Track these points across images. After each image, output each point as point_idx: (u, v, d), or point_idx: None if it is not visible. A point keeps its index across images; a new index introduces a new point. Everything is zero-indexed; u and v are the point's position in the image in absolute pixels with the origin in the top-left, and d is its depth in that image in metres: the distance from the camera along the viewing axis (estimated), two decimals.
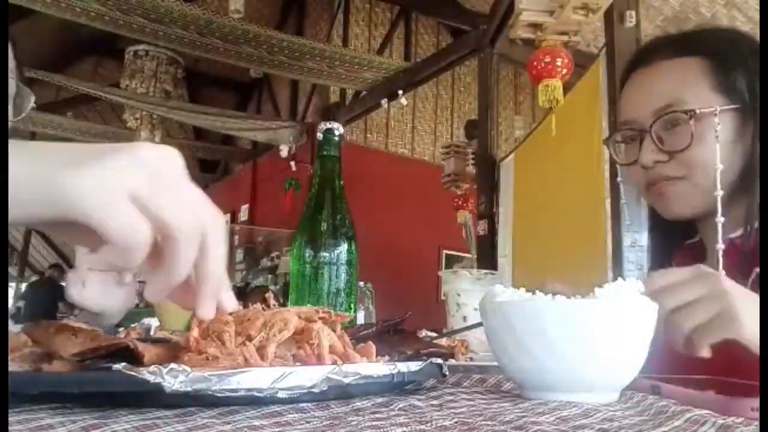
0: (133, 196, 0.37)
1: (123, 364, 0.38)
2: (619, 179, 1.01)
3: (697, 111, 0.84)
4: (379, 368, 0.49)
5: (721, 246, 0.84)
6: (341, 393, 0.47)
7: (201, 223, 0.40)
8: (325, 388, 0.44)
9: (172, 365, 0.39)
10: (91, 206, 0.36)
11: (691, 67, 0.89)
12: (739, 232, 0.87)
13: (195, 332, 0.46)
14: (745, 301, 0.66)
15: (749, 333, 0.62)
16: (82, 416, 0.37)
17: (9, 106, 0.92)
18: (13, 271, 11.12)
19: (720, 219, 0.84)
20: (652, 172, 0.90)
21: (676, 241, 1.01)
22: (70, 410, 0.39)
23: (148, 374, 0.38)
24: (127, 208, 0.37)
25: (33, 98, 0.91)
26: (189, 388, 0.38)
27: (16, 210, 0.36)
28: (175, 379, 0.38)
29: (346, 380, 0.45)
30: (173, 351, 0.45)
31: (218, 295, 0.45)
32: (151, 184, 0.38)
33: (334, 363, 0.48)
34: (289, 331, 0.48)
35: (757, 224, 0.84)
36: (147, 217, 0.37)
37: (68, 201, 0.36)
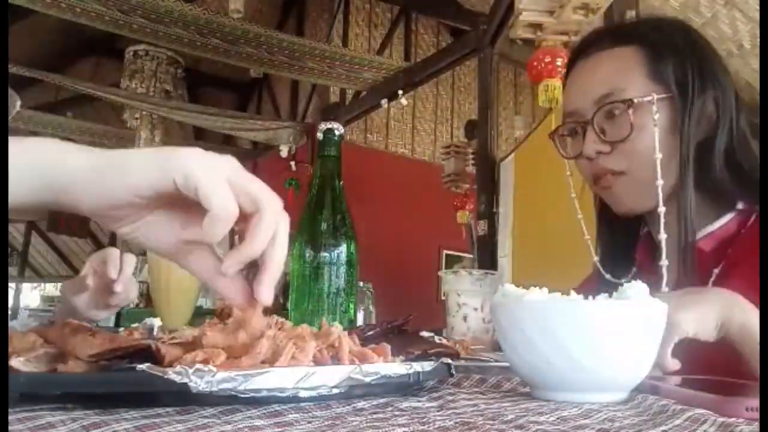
0: (230, 181, 0.45)
1: (147, 364, 0.39)
2: (567, 173, 1.01)
3: (635, 100, 0.84)
4: (397, 368, 0.50)
5: (663, 236, 0.84)
6: (362, 392, 0.48)
7: (279, 209, 0.48)
8: (346, 389, 0.45)
9: (198, 365, 0.39)
10: (204, 183, 0.44)
11: (627, 55, 0.89)
12: (700, 234, 0.86)
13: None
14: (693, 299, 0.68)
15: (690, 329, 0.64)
16: (83, 415, 0.37)
17: None
18: (13, 271, 11.12)
19: (662, 209, 0.84)
20: (597, 165, 0.90)
21: (631, 232, 1.01)
22: (70, 409, 0.39)
23: (174, 375, 0.38)
24: (226, 187, 0.45)
25: (19, 102, 0.93)
26: (215, 389, 0.39)
27: (140, 176, 0.45)
28: (200, 379, 0.38)
29: (367, 379, 0.46)
30: (191, 351, 0.46)
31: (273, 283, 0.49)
32: (241, 174, 0.47)
33: (353, 363, 0.49)
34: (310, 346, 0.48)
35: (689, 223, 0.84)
36: (241, 195, 0.46)
37: (184, 176, 0.44)
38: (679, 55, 0.87)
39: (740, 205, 0.86)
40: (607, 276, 0.95)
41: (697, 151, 0.86)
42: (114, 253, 0.96)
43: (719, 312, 0.68)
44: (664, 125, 0.85)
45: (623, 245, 1.01)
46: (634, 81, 0.87)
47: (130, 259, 0.97)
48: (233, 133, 6.02)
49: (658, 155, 0.83)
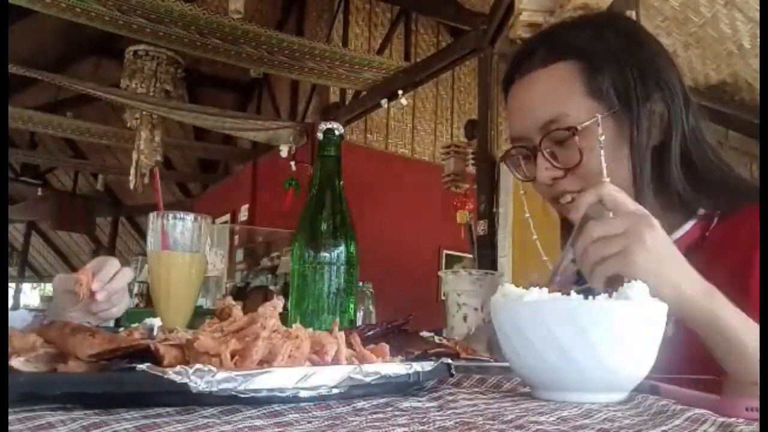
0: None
1: (147, 364, 0.39)
2: (521, 192, 0.98)
3: (579, 127, 0.81)
4: (397, 368, 0.50)
5: None
6: (362, 392, 0.48)
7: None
8: (346, 389, 0.45)
9: (198, 365, 0.39)
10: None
11: (564, 74, 0.84)
12: (672, 237, 0.85)
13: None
14: (662, 253, 0.67)
15: (640, 275, 0.62)
16: (83, 415, 0.37)
17: None
18: (13, 271, 11.12)
19: None
20: (554, 188, 0.88)
21: None
22: (70, 409, 0.39)
23: (174, 375, 0.38)
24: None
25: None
26: (215, 389, 0.39)
27: None
28: (200, 379, 0.38)
29: (367, 379, 0.47)
30: (190, 352, 0.46)
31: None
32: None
33: (351, 363, 0.49)
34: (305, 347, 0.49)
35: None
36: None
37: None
38: (618, 63, 0.83)
39: (701, 211, 0.85)
40: (557, 278, 0.95)
41: (654, 156, 0.83)
42: (112, 263, 0.94)
43: (684, 290, 0.67)
44: (614, 139, 0.82)
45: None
46: (575, 102, 0.83)
47: (126, 274, 0.94)
48: (233, 133, 6.02)
49: (606, 179, 0.77)
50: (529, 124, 0.87)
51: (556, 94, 0.85)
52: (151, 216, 0.94)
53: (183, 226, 0.93)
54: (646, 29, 0.89)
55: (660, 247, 0.67)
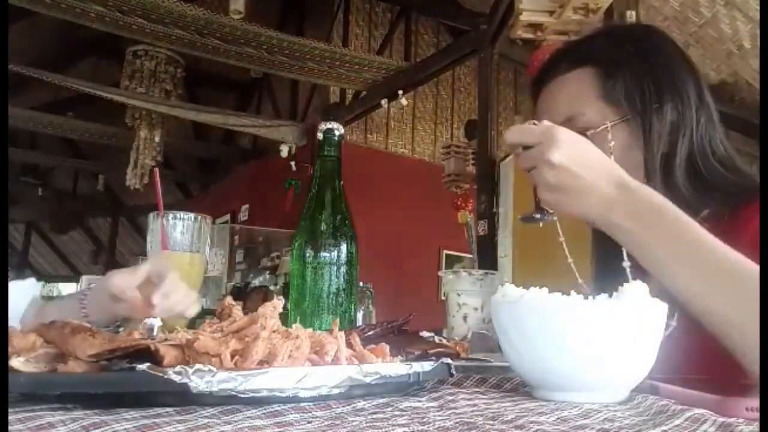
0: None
1: (147, 364, 0.39)
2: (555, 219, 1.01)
3: (589, 133, 0.84)
4: (397, 368, 0.50)
5: (627, 264, 0.81)
6: (362, 392, 0.48)
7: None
8: (346, 389, 0.45)
9: (198, 366, 0.39)
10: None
11: (582, 78, 0.89)
12: None
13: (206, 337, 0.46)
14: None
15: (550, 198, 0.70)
16: (83, 415, 0.37)
17: None
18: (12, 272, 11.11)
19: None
20: None
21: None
22: (70, 409, 0.39)
23: (174, 375, 0.38)
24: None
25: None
26: (215, 389, 0.39)
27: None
28: (200, 379, 0.38)
29: (367, 380, 0.47)
30: (190, 352, 0.45)
31: None
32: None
33: (351, 363, 0.49)
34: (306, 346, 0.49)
35: None
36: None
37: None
38: (632, 70, 0.86)
39: (704, 213, 0.86)
40: (581, 281, 0.96)
41: (662, 161, 0.86)
42: (165, 274, 0.85)
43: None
44: (624, 144, 0.85)
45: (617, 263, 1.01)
46: (590, 104, 0.87)
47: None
48: (235, 128, 6.00)
49: None
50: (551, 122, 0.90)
51: (574, 95, 0.89)
52: (151, 216, 0.94)
53: (183, 226, 0.93)
54: (672, 39, 0.92)
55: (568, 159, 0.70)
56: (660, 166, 0.85)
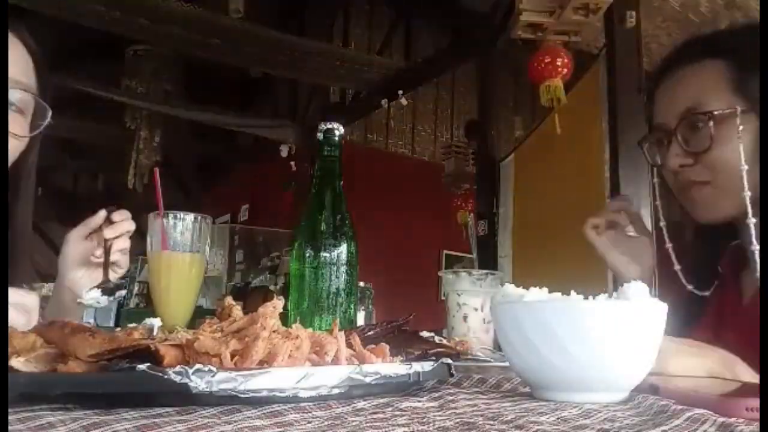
0: None
1: (147, 364, 0.39)
2: (654, 180, 1.01)
3: (716, 113, 0.85)
4: (397, 368, 0.50)
5: (756, 247, 0.82)
6: (362, 392, 0.48)
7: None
8: (346, 389, 0.45)
9: (198, 366, 0.39)
10: None
11: (713, 69, 0.89)
12: None
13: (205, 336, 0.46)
14: None
15: None
16: (83, 415, 0.37)
17: (26, 124, 0.95)
18: None
19: (752, 220, 0.82)
20: (682, 177, 0.91)
21: (720, 243, 1.00)
22: (70, 409, 0.39)
23: (174, 375, 0.38)
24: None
25: (50, 113, 0.96)
26: (215, 389, 0.39)
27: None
28: (200, 379, 0.38)
29: (367, 380, 0.47)
30: (190, 352, 0.45)
31: None
32: None
33: (351, 363, 0.49)
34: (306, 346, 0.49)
35: None
36: None
37: None
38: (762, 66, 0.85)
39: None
40: (690, 287, 0.94)
41: None
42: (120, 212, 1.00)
43: (710, 368, 0.68)
44: (749, 137, 0.84)
45: (710, 257, 1.00)
46: (718, 95, 0.87)
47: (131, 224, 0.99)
48: (235, 128, 6.00)
49: (744, 167, 0.82)
50: (672, 110, 0.91)
51: (700, 85, 0.89)
52: (151, 216, 0.94)
53: (183, 226, 0.93)
54: None
55: None
56: None
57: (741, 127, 0.83)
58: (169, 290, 0.92)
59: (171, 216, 0.93)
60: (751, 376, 0.68)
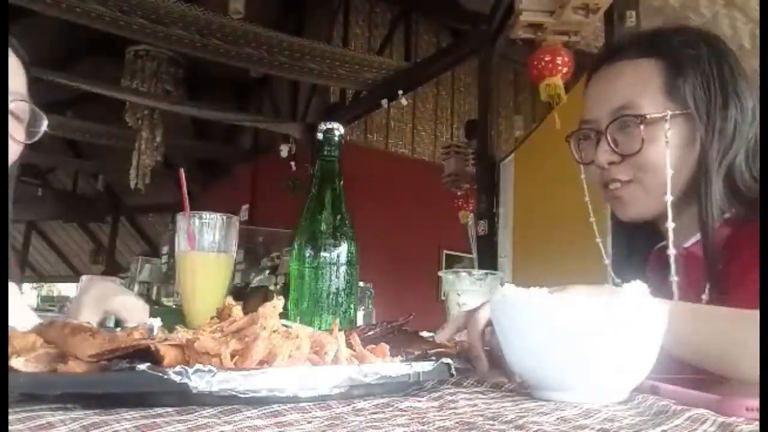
0: None
1: (147, 364, 0.39)
2: (581, 176, 1.02)
3: (647, 116, 0.85)
4: (397, 368, 0.50)
5: (672, 251, 0.85)
6: (362, 392, 0.48)
7: None
8: (346, 389, 0.45)
9: (198, 365, 0.39)
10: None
11: (647, 68, 0.89)
12: (692, 240, 0.87)
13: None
14: None
15: None
16: (83, 415, 0.37)
17: (21, 131, 0.95)
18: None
19: (671, 224, 0.84)
20: (607, 173, 0.91)
21: (642, 243, 1.01)
22: (70, 409, 0.39)
23: (174, 375, 0.38)
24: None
25: (45, 122, 0.96)
26: (215, 389, 0.39)
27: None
28: (201, 379, 0.38)
29: (367, 380, 0.47)
30: (190, 352, 0.45)
31: None
32: None
33: (351, 363, 0.49)
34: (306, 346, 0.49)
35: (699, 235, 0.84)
36: None
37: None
38: (702, 71, 0.87)
39: (727, 215, 0.86)
40: (618, 281, 0.95)
41: (718, 161, 0.85)
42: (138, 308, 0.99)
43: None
44: (681, 139, 0.86)
45: (636, 255, 1.02)
46: (649, 95, 0.87)
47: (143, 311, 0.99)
48: (237, 122, 6.00)
49: (669, 171, 0.83)
50: (603, 107, 0.91)
51: (634, 84, 0.89)
52: (179, 216, 0.94)
53: (210, 225, 0.93)
54: (735, 54, 0.92)
55: None
56: (716, 167, 0.85)
57: (669, 131, 0.84)
58: (195, 290, 0.92)
59: (198, 216, 0.93)
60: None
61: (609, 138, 0.89)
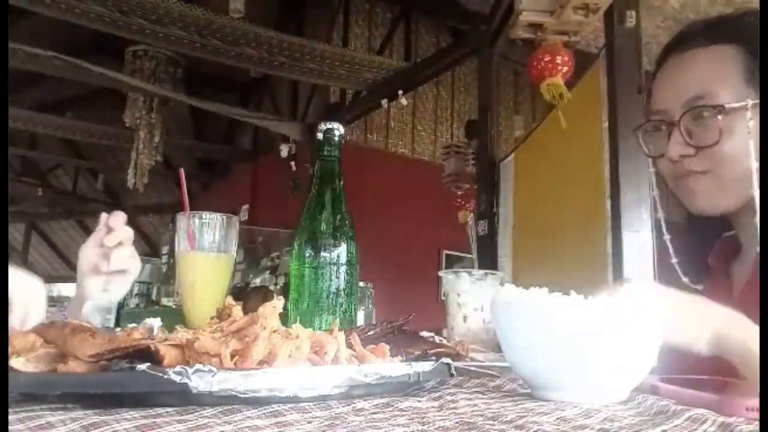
0: None
1: (147, 364, 0.39)
2: (650, 170, 0.95)
3: (726, 106, 0.80)
4: (397, 368, 0.50)
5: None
6: (362, 392, 0.48)
7: None
8: (346, 389, 0.45)
9: (198, 366, 0.39)
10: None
11: (725, 55, 0.84)
12: None
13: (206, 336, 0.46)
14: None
15: None
16: (83, 415, 0.37)
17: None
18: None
19: (758, 220, 0.79)
20: (679, 166, 0.86)
21: (713, 234, 0.97)
22: (70, 409, 0.39)
23: (174, 375, 0.38)
24: None
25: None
26: (215, 389, 0.39)
27: None
28: (200, 379, 0.39)
29: (367, 380, 0.47)
30: (190, 352, 0.45)
31: None
32: None
33: (351, 363, 0.49)
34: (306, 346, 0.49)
35: None
36: None
37: None
38: None
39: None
40: (684, 279, 0.92)
41: None
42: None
43: (714, 326, 0.67)
44: (755, 131, 0.80)
45: (701, 249, 0.97)
46: (729, 85, 0.82)
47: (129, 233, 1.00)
48: (239, 117, 6.00)
49: (755, 164, 0.78)
50: (676, 97, 0.86)
51: (712, 72, 0.84)
52: (179, 216, 0.94)
53: (210, 225, 0.93)
54: None
55: None
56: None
57: (751, 122, 0.78)
58: (195, 290, 0.92)
59: (197, 216, 0.93)
60: (751, 326, 0.66)
61: (683, 129, 0.84)
